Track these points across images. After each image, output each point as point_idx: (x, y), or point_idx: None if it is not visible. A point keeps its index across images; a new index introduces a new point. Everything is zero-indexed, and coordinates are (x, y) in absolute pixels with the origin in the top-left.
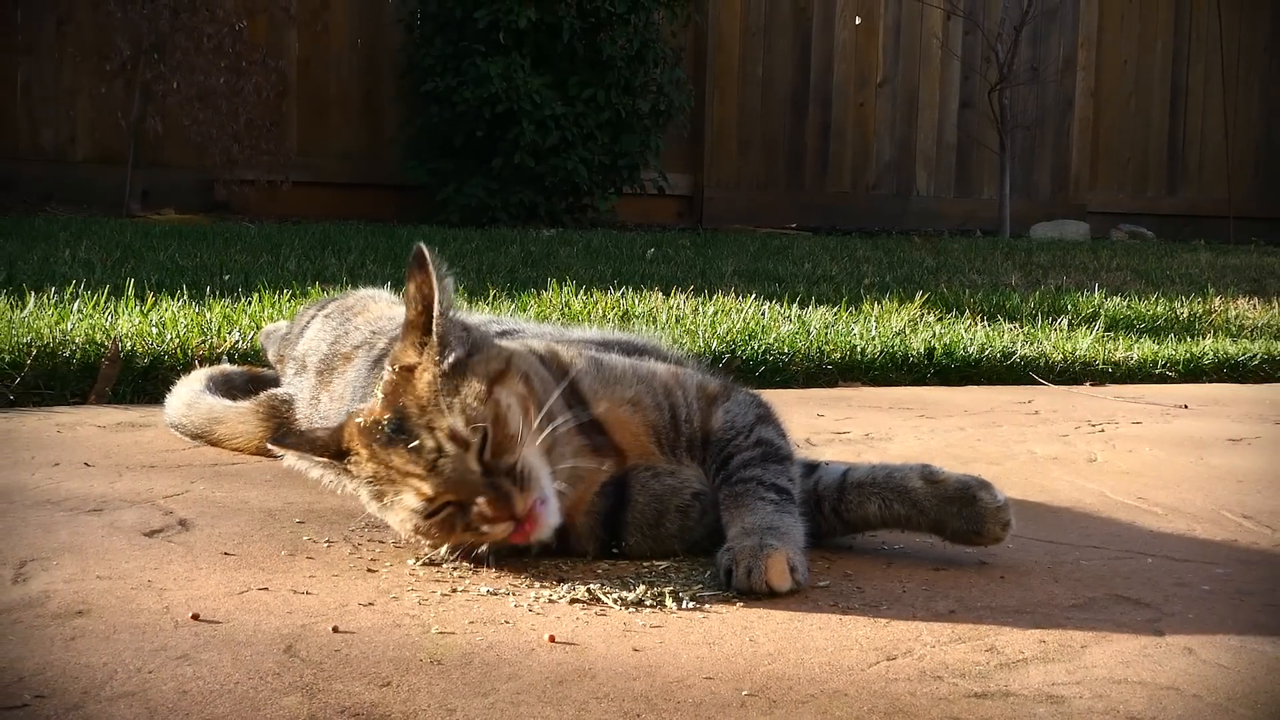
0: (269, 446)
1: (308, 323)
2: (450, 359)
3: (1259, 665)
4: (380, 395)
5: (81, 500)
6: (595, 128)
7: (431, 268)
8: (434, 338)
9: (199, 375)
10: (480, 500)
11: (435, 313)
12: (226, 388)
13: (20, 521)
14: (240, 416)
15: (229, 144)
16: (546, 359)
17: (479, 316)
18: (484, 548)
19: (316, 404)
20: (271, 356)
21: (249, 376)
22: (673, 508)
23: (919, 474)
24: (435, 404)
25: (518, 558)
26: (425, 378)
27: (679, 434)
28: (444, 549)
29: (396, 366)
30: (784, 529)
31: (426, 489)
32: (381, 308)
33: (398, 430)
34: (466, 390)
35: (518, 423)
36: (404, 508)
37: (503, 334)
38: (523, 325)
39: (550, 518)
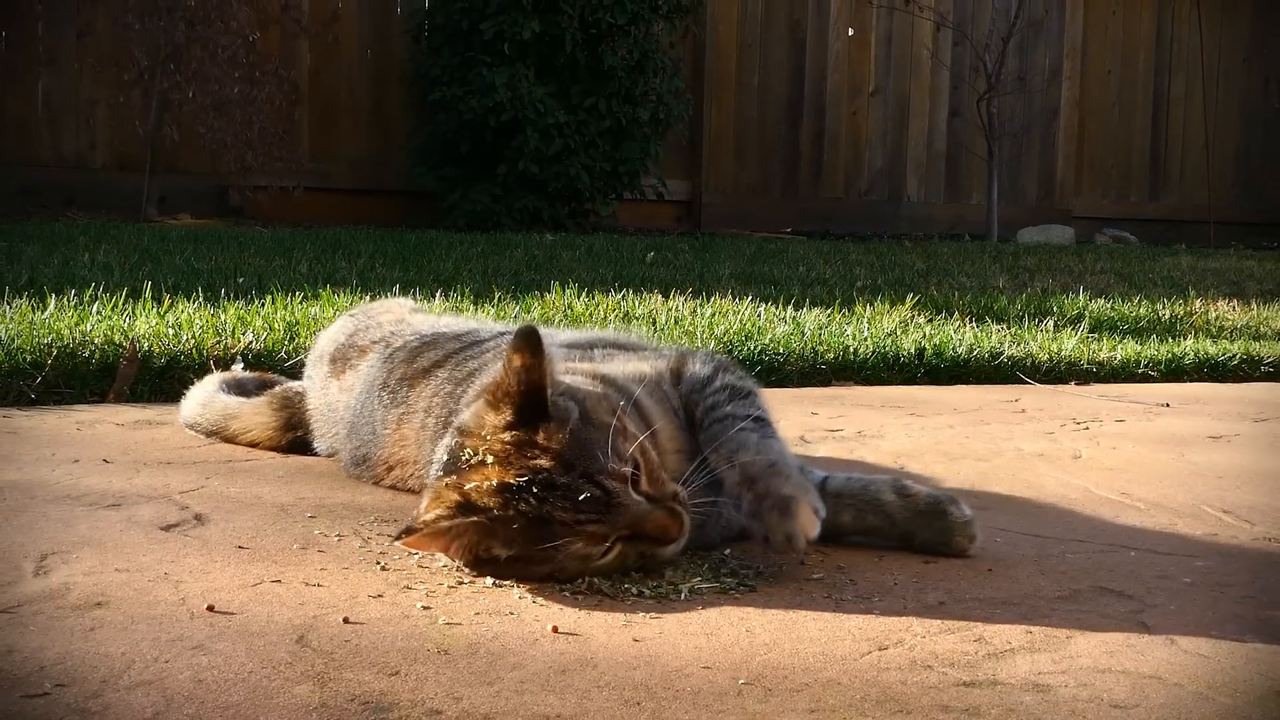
0: (400, 544)
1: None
2: (575, 416)
3: (1238, 655)
4: (489, 460)
5: (100, 495)
6: (597, 135)
7: (543, 349)
8: (550, 410)
9: (212, 379)
10: (656, 523)
11: (549, 395)
12: (239, 390)
13: (41, 516)
14: (254, 409)
15: (243, 151)
16: (620, 384)
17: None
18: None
19: (326, 392)
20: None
21: (260, 381)
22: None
23: (892, 487)
24: (582, 454)
25: None
26: (557, 437)
27: (679, 426)
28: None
29: (503, 438)
30: (781, 463)
31: (599, 530)
32: (404, 312)
33: (548, 487)
34: (604, 435)
35: (655, 456)
36: (573, 556)
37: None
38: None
39: (689, 526)
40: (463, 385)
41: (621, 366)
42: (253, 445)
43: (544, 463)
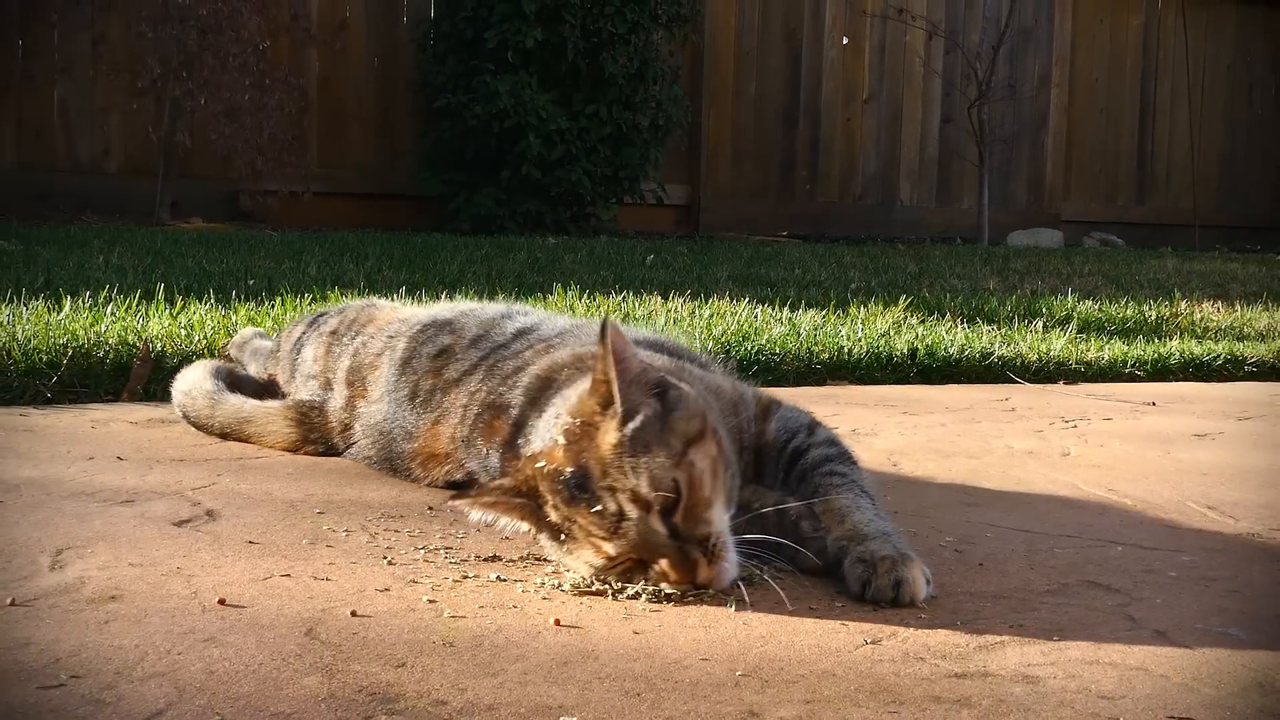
0: (452, 505)
1: (300, 338)
2: (636, 423)
3: (1222, 647)
4: (562, 442)
5: (114, 492)
6: (598, 141)
7: (611, 342)
8: (617, 405)
9: (202, 369)
10: (663, 563)
11: (616, 388)
12: (231, 383)
13: (57, 512)
14: (268, 417)
15: (253, 157)
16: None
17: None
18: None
19: (353, 408)
20: (254, 371)
21: (228, 370)
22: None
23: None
24: (619, 465)
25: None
26: (609, 439)
27: (740, 454)
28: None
29: (579, 420)
30: (896, 536)
31: (609, 549)
32: (386, 314)
33: (580, 488)
34: (656, 453)
35: (709, 485)
36: (584, 561)
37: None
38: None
39: (730, 573)
40: (508, 381)
41: (706, 377)
42: (260, 445)
43: (589, 455)
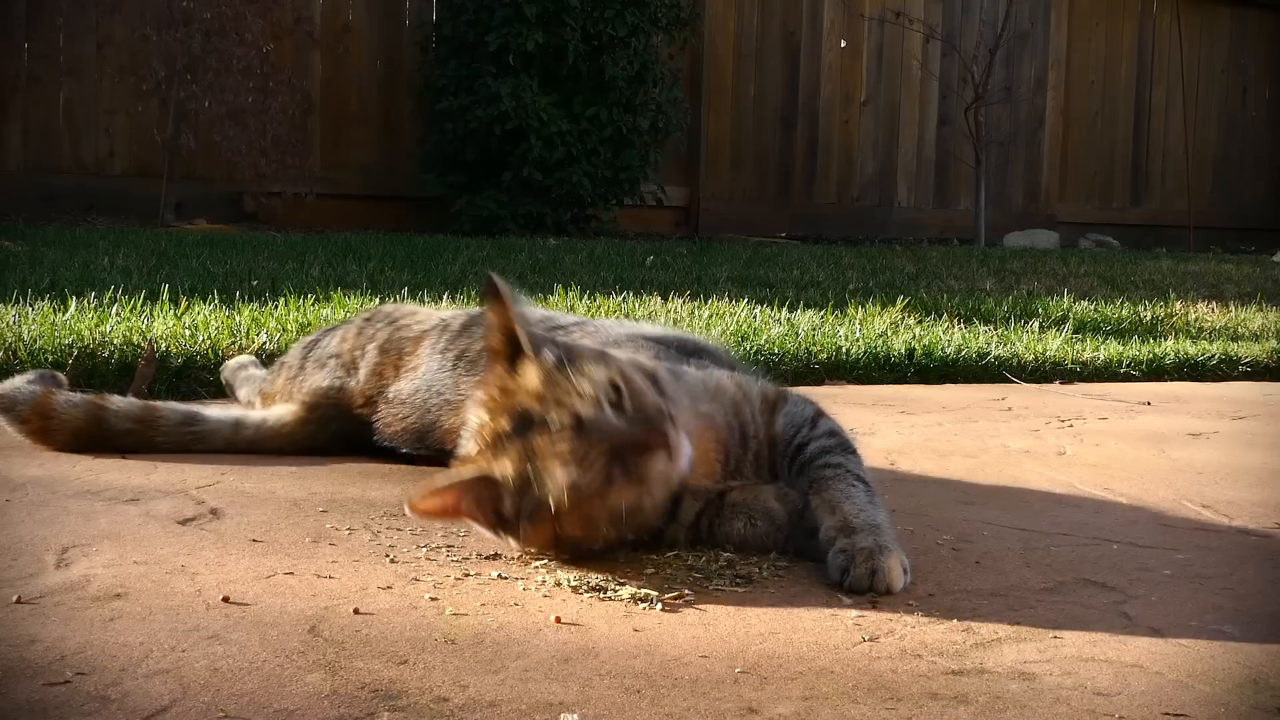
0: (409, 512)
1: (315, 338)
2: (552, 357)
3: (1216, 644)
4: (485, 416)
5: (119, 491)
6: (598, 144)
7: (506, 295)
8: (527, 348)
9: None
10: (631, 436)
11: (522, 334)
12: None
13: (62, 510)
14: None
15: (257, 159)
16: (636, 364)
17: (541, 311)
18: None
19: (381, 377)
20: (244, 396)
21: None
22: (720, 534)
23: (773, 494)
24: (556, 386)
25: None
26: (532, 376)
27: (745, 450)
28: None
29: (492, 390)
30: (885, 526)
31: (578, 447)
32: (428, 310)
33: (524, 424)
34: (582, 363)
35: (648, 390)
36: (558, 484)
37: (562, 327)
38: (592, 320)
39: (687, 451)
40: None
41: (690, 371)
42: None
43: (520, 400)
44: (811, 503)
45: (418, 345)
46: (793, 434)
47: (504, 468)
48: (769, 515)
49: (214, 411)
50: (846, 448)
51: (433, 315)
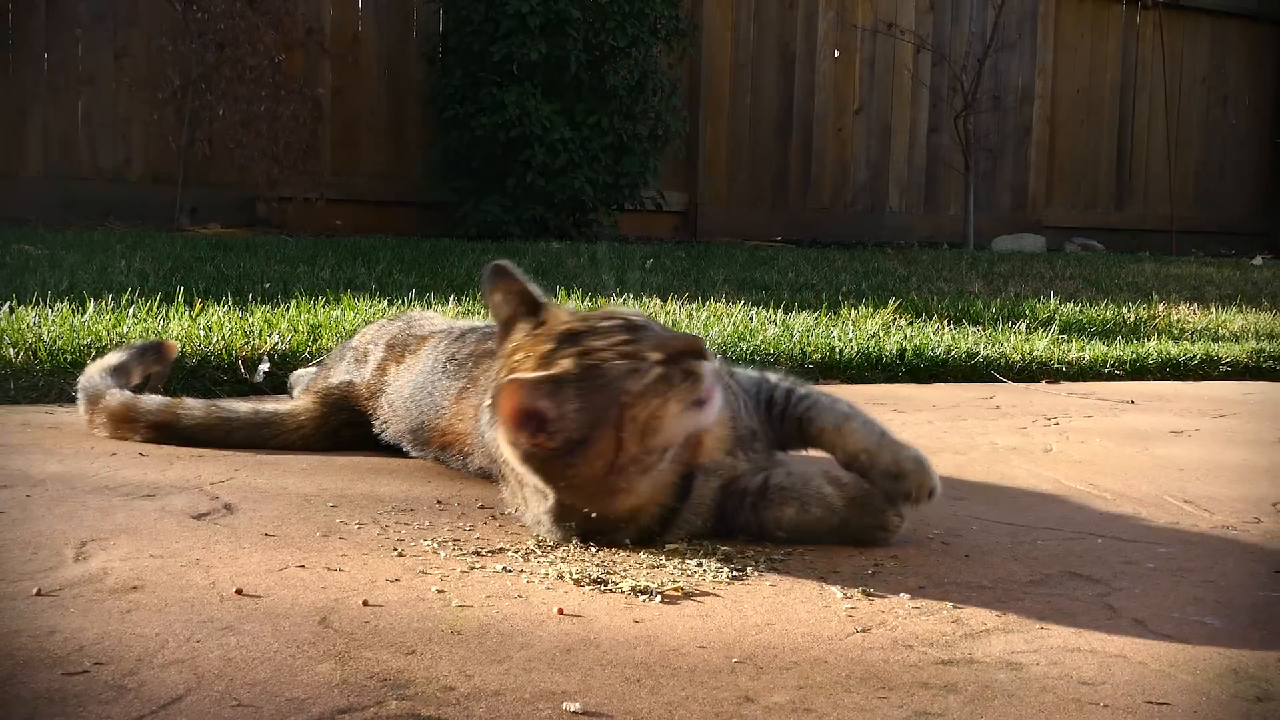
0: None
1: (355, 337)
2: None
3: (1198, 635)
4: (519, 356)
5: (136, 486)
6: (599, 150)
7: (515, 271)
8: (544, 299)
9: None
10: (683, 339)
11: (536, 291)
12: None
13: (81, 505)
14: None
15: (269, 165)
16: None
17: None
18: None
19: (384, 372)
20: (296, 395)
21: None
22: (730, 509)
23: (825, 478)
24: (591, 313)
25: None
26: (562, 314)
27: (753, 434)
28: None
29: (518, 339)
30: (889, 434)
31: (635, 348)
32: (449, 320)
33: (571, 338)
34: (607, 307)
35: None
36: (620, 370)
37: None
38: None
39: (717, 400)
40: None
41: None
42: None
43: (560, 324)
44: (810, 430)
45: (421, 345)
46: (782, 406)
47: (563, 366)
48: (823, 500)
49: (238, 405)
50: (801, 383)
51: (448, 321)
